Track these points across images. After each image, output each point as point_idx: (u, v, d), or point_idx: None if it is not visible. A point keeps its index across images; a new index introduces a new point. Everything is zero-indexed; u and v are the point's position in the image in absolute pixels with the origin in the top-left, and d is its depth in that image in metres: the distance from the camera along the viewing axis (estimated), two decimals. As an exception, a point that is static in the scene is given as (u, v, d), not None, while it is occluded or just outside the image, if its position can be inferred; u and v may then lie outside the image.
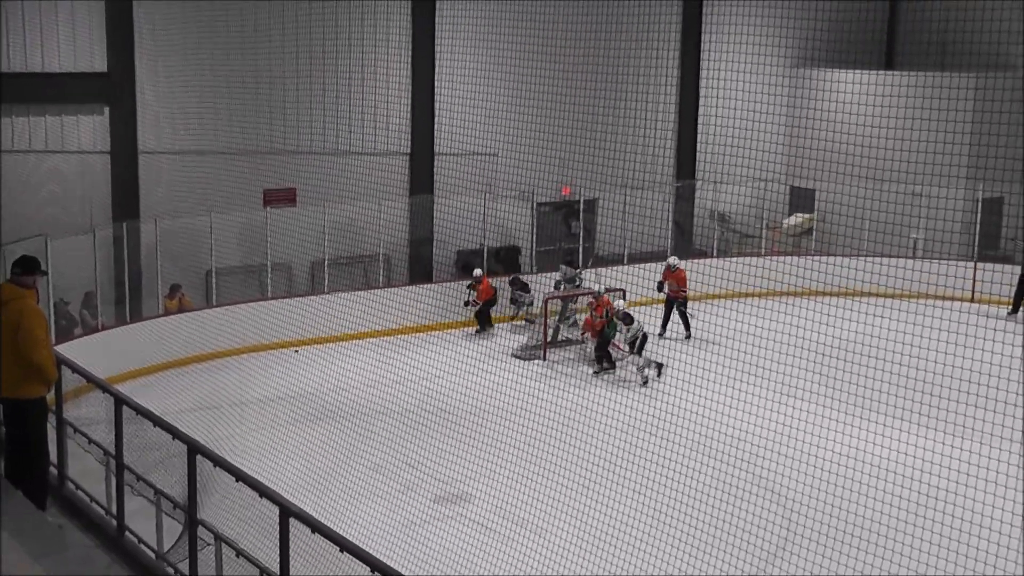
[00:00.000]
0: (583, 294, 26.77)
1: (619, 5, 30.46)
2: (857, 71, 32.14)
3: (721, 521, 15.96)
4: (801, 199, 32.30)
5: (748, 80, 28.77)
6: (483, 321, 27.74)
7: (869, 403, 19.46)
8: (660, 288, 26.76)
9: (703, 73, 33.21)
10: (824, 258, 26.97)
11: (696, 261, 29.57)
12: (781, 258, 28.80)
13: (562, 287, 27.81)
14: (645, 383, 23.57)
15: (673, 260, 26.99)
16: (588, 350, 25.37)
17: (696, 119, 33.69)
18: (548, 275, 28.32)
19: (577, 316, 26.97)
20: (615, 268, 29.00)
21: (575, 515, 16.91)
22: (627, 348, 24.26)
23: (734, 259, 30.34)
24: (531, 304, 27.96)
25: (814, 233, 32.06)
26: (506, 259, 30.61)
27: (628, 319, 24.10)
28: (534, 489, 17.90)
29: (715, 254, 31.87)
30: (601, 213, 31.38)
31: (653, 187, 30.86)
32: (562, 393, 23.20)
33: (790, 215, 32.93)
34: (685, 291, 26.70)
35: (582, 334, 25.74)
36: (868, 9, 33.36)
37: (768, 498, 17.34)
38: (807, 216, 32.26)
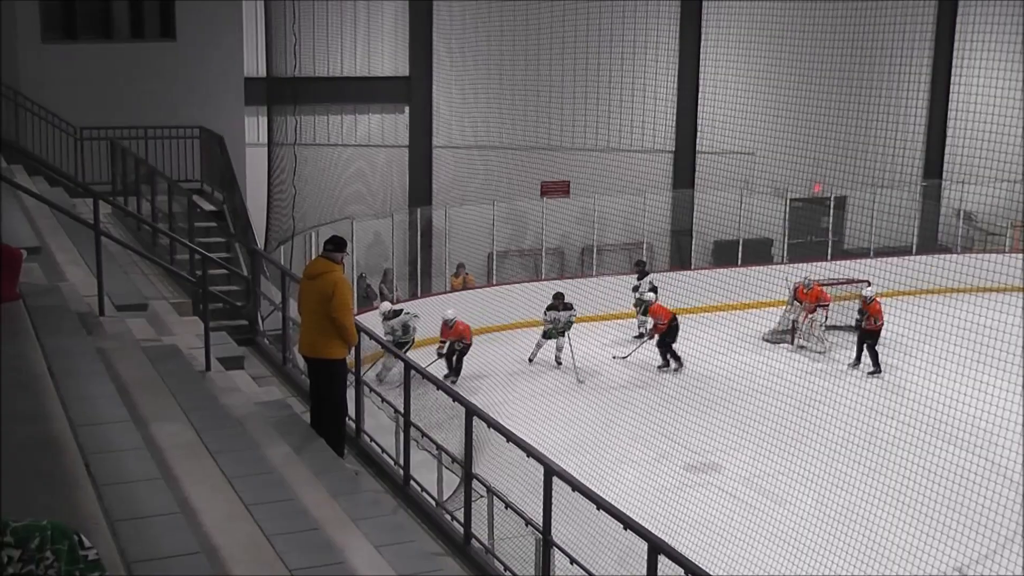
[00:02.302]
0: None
1: (872, 5, 29.40)
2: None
3: (956, 504, 15.31)
4: (1048, 200, 30.53)
5: (999, 82, 27.38)
6: (452, 364, 22.91)
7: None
8: (858, 325, 23.87)
9: (954, 73, 31.76)
10: (1069, 256, 25.46)
11: (939, 256, 28.33)
12: (1025, 256, 27.29)
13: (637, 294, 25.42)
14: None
15: (869, 292, 23.99)
16: (834, 339, 24.70)
17: (945, 120, 32.28)
18: (799, 266, 27.66)
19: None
20: (860, 261, 28.08)
21: (816, 489, 16.55)
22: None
23: (977, 255, 28.94)
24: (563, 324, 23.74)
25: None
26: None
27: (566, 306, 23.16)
28: (778, 463, 17.61)
29: (959, 251, 30.49)
30: (850, 210, 30.50)
31: (900, 185, 29.76)
32: (806, 376, 22.69)
33: (1036, 214, 31.19)
34: (880, 324, 23.39)
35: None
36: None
37: (1004, 484, 16.53)
38: (1052, 216, 30.50)
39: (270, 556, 6.55)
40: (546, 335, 23.88)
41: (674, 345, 23.29)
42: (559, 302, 23.82)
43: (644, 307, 24.56)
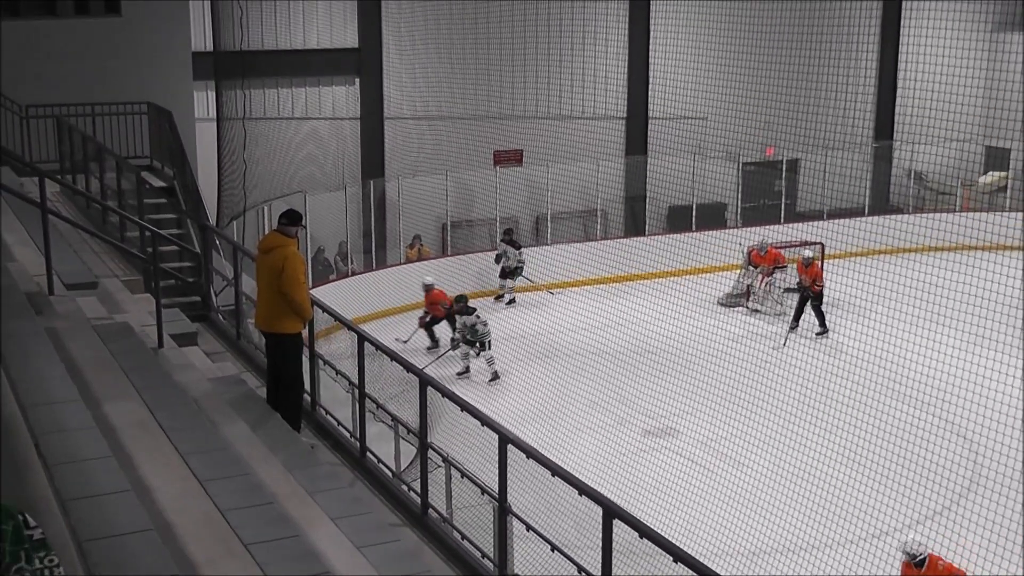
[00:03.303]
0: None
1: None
2: (1055, 35, 30.43)
3: (910, 461, 15.51)
4: (996, 158, 30.87)
5: (947, 43, 27.54)
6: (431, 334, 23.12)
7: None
8: (800, 284, 23.93)
9: (903, 36, 31.92)
10: (1018, 214, 25.75)
11: (891, 217, 28.61)
12: (975, 214, 27.60)
13: (501, 264, 25.80)
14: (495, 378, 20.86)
15: (808, 253, 24.15)
16: (790, 302, 24.88)
17: (895, 81, 32.49)
18: (752, 229, 27.82)
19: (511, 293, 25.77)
20: (813, 223, 28.28)
21: (772, 451, 16.73)
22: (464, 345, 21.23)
23: (928, 215, 29.23)
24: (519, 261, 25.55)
25: (1008, 190, 30.62)
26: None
27: (468, 311, 21.15)
28: (734, 426, 17.79)
29: (910, 211, 30.77)
30: (803, 172, 30.68)
31: (852, 147, 29.96)
32: (762, 339, 22.87)
33: (985, 173, 31.53)
34: (821, 286, 23.71)
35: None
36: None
37: (956, 442, 16.77)
38: (1002, 174, 30.84)
39: (225, 531, 6.55)
40: (502, 275, 25.20)
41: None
42: (509, 236, 25.23)
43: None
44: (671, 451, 17.34)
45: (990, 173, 31.35)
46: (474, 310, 21.27)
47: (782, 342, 22.92)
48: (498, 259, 25.86)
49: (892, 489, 14.87)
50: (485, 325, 21.03)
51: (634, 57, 30.01)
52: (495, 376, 20.78)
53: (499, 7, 27.94)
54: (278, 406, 9.99)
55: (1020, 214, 25.68)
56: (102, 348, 9.14)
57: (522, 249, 25.84)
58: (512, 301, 25.67)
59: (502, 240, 26.03)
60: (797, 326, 23.76)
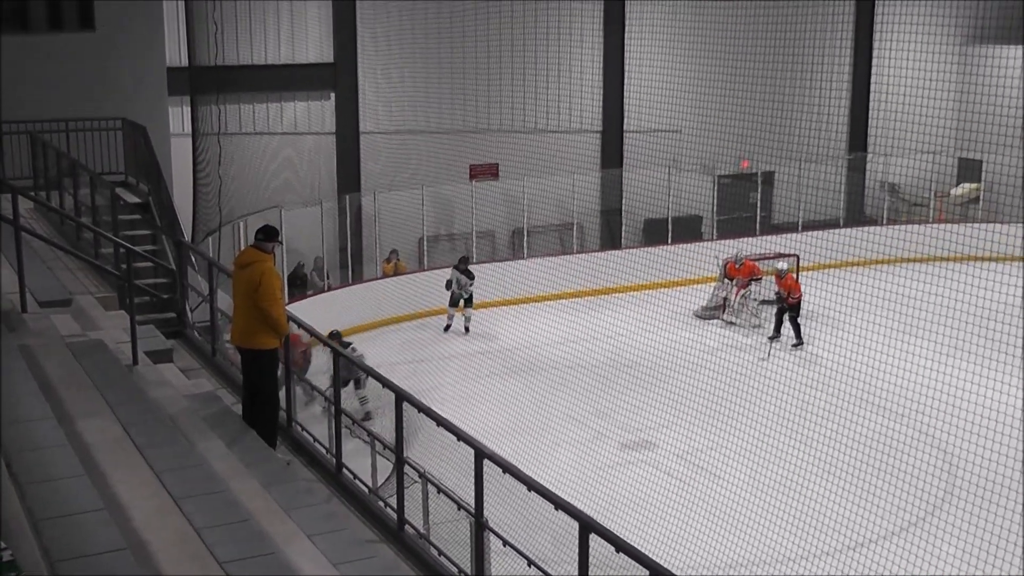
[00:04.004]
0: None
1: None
2: (1024, 47, 30.67)
3: (885, 473, 15.58)
4: (969, 170, 31.07)
5: (919, 56, 27.72)
6: None
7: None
8: (777, 296, 23.95)
9: (875, 49, 32.17)
10: (990, 225, 25.90)
11: (865, 228, 28.76)
12: (949, 226, 27.77)
13: (453, 290, 24.77)
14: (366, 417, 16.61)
15: (782, 265, 24.25)
16: (765, 314, 24.97)
17: (868, 94, 32.68)
18: (728, 242, 27.90)
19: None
20: (789, 235, 28.39)
21: (749, 463, 16.75)
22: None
23: (903, 226, 29.42)
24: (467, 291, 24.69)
25: (981, 202, 30.82)
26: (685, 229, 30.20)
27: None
28: (711, 438, 17.80)
29: (885, 222, 30.94)
30: (778, 185, 30.81)
31: (826, 159, 30.11)
32: (738, 351, 22.92)
33: (958, 185, 31.73)
34: (798, 296, 23.56)
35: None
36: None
37: (932, 453, 16.83)
38: (974, 185, 31.03)
39: (199, 549, 6.50)
40: (453, 302, 24.56)
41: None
42: (464, 264, 24.59)
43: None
44: (648, 464, 17.34)
45: (963, 185, 31.55)
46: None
47: (766, 353, 22.97)
48: (448, 285, 24.62)
49: (869, 500, 14.92)
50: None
51: (609, 71, 30.10)
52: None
53: (474, 21, 27.99)
54: (254, 422, 9.93)
55: (993, 225, 25.81)
56: (76, 365, 9.08)
57: (475, 280, 24.57)
58: (467, 330, 24.74)
59: (456, 267, 24.78)
60: (779, 336, 23.85)
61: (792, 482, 15.70)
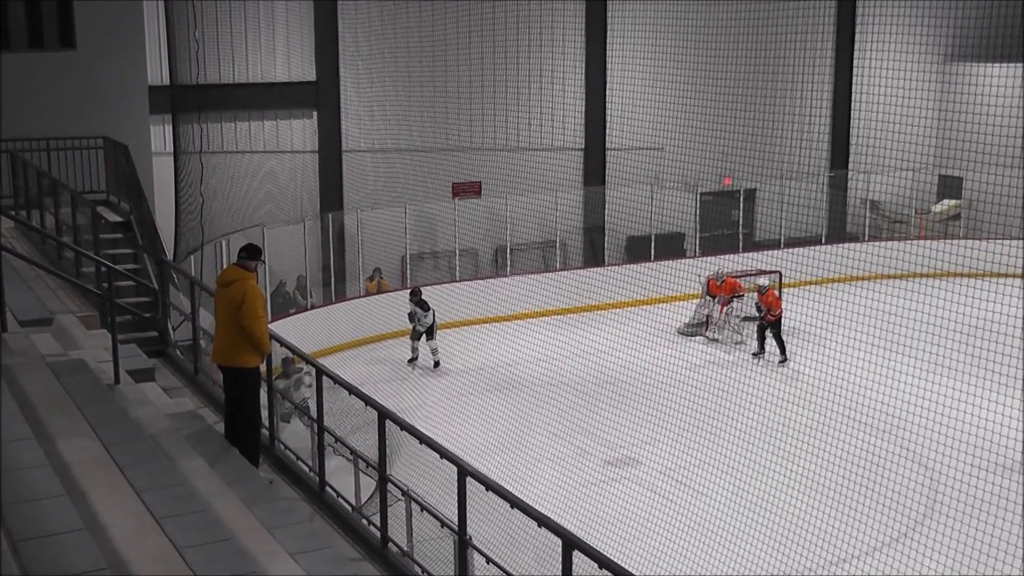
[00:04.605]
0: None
1: (776, 4, 29.87)
2: (1005, 64, 30.88)
3: (868, 489, 15.62)
4: (950, 187, 31.25)
5: (900, 74, 27.92)
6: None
7: (1015, 381, 18.71)
8: (759, 312, 24.00)
9: (856, 68, 32.35)
10: (971, 242, 26.05)
11: (847, 245, 28.86)
12: (930, 242, 27.92)
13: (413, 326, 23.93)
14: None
15: (763, 281, 24.43)
16: (748, 330, 25.03)
17: (850, 112, 32.86)
18: (711, 259, 27.98)
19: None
20: (771, 252, 28.50)
21: (733, 479, 16.78)
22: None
23: (884, 243, 29.57)
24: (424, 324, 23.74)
25: (962, 219, 30.99)
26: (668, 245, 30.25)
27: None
28: (695, 454, 17.83)
29: (866, 239, 31.08)
30: (760, 202, 30.93)
31: (808, 176, 30.25)
32: (721, 368, 22.95)
33: (939, 201, 31.90)
34: (778, 312, 23.59)
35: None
36: (1016, 4, 32.00)
37: (914, 469, 16.89)
38: (955, 202, 31.21)
39: (181, 569, 6.47)
40: (415, 335, 23.79)
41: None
42: (417, 297, 23.62)
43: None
44: (632, 481, 17.34)
45: (944, 201, 31.72)
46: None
47: (757, 361, 23.02)
48: (411, 318, 23.92)
49: (851, 516, 14.94)
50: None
51: (591, 89, 30.19)
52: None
53: (456, 40, 28.07)
54: (236, 441, 9.90)
55: (973, 242, 25.97)
56: (56, 385, 9.04)
57: (431, 311, 23.67)
58: (436, 364, 23.65)
59: (411, 300, 23.94)
60: (763, 352, 23.94)
61: (775, 498, 15.73)
